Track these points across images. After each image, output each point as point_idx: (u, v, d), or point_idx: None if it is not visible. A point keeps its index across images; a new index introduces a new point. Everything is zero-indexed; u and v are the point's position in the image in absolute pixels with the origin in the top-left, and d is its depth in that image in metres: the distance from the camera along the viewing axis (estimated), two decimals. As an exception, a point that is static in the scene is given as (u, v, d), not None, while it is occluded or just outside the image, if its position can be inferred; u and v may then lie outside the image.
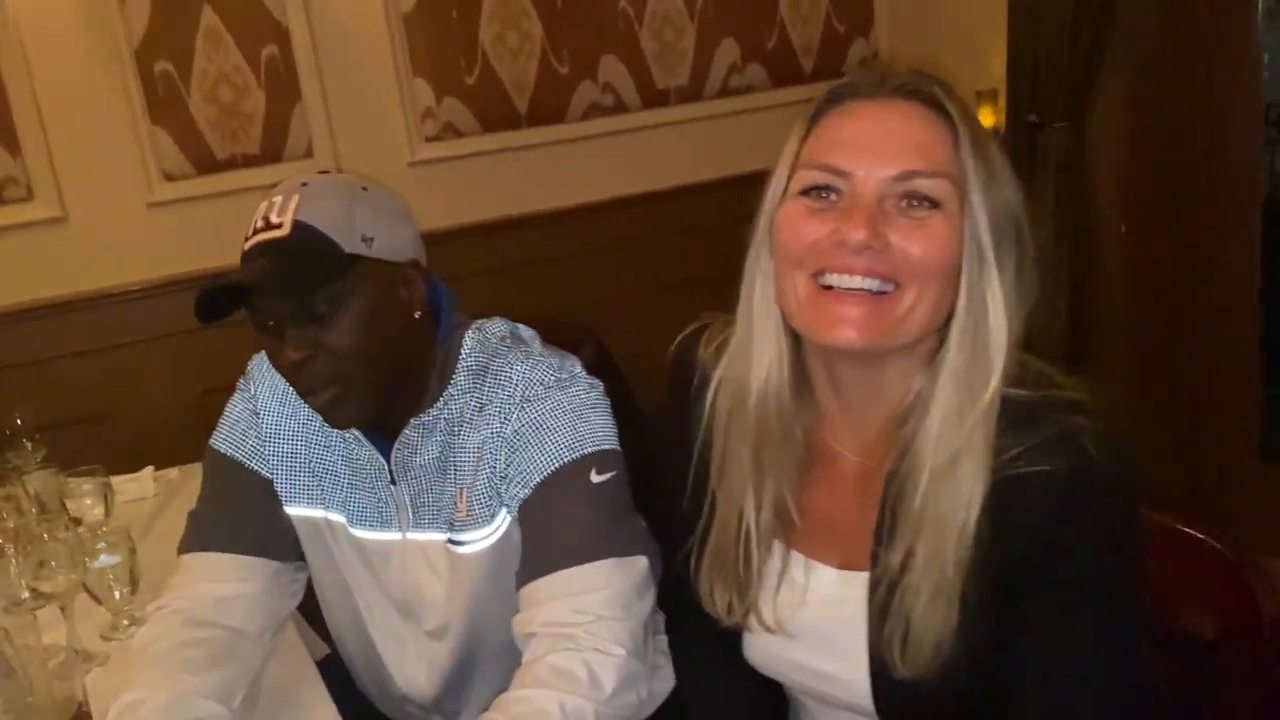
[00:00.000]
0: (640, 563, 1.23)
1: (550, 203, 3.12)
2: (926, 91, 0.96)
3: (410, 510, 1.34)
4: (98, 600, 1.53)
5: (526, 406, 1.27)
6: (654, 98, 3.29)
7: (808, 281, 0.97)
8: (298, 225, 1.20)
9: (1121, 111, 3.12)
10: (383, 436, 1.33)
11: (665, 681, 1.40)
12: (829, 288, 0.96)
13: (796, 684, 1.17)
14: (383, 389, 1.26)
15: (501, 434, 1.27)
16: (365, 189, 1.28)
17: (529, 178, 3.12)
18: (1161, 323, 3.11)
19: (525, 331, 1.37)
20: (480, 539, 1.30)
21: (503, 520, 1.30)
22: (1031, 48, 3.18)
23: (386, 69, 2.92)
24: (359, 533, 1.38)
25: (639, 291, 3.13)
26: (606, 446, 1.27)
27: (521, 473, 1.26)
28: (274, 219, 1.21)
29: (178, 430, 2.62)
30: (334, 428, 1.30)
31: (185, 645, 1.25)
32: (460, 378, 1.30)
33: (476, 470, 1.29)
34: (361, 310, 1.21)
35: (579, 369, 1.33)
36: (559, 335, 2.22)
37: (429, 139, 3.00)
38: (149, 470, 2.26)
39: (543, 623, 1.18)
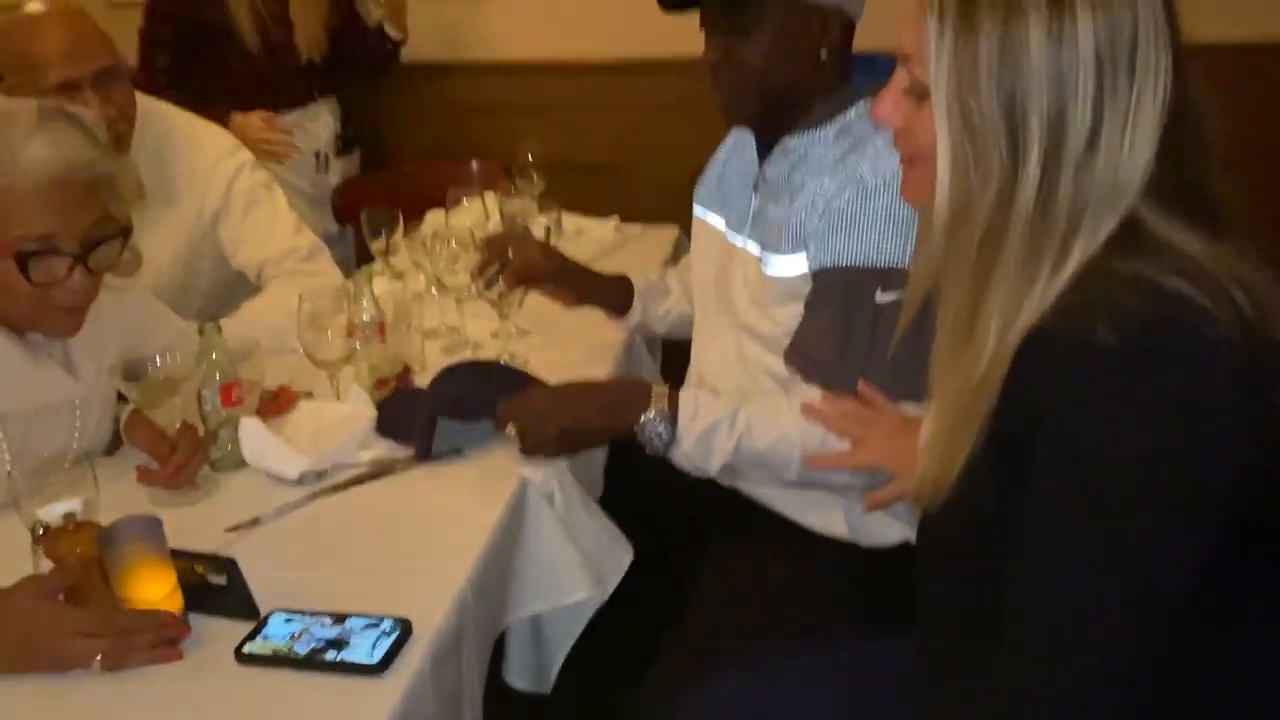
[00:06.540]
0: None
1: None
2: None
3: (751, 218, 1.54)
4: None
5: (862, 191, 1.39)
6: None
7: None
8: None
9: None
10: (769, 150, 1.54)
11: None
12: None
13: None
14: (770, 103, 1.49)
15: (827, 197, 1.41)
16: None
17: None
18: None
19: None
20: (778, 266, 1.47)
21: (800, 263, 1.45)
22: None
23: None
24: (729, 235, 1.62)
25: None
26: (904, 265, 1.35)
27: (820, 245, 1.42)
28: None
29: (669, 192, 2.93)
30: (728, 122, 1.60)
31: None
32: (830, 129, 1.46)
33: (792, 208, 1.45)
34: (772, 34, 1.44)
35: None
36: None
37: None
38: (614, 219, 2.59)
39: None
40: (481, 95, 3.19)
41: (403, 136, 3.16)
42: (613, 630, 1.49)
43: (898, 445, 1.29)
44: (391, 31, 2.90)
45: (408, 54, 2.95)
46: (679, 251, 2.43)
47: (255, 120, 2.63)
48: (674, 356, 2.00)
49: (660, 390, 1.41)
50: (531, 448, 1.42)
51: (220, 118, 2.53)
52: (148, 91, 2.08)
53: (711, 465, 1.40)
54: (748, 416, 1.39)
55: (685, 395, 1.41)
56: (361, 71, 3.01)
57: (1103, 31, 0.84)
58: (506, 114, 3.10)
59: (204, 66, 2.75)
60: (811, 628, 1.42)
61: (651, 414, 1.38)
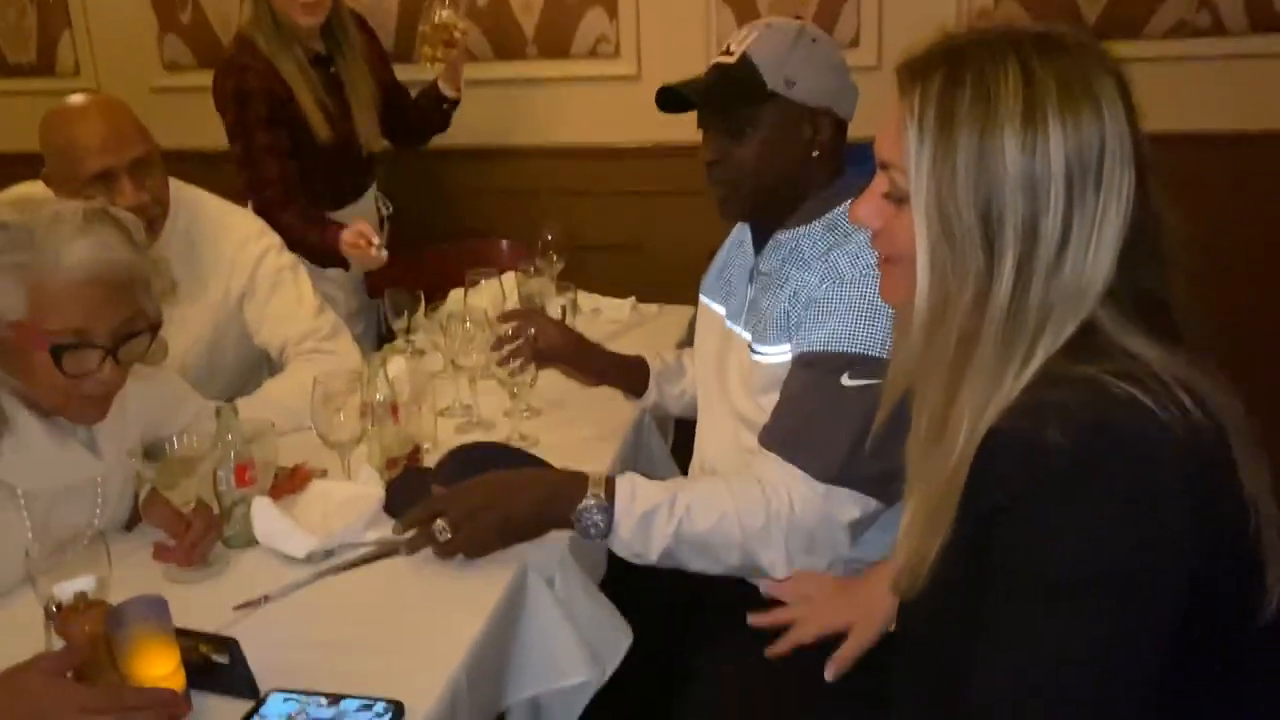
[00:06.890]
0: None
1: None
2: None
3: (747, 308, 1.61)
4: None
5: (838, 282, 1.44)
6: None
7: None
8: (743, 57, 1.52)
9: None
10: (765, 244, 1.60)
11: None
12: None
13: None
14: (763, 200, 1.57)
15: (809, 289, 1.47)
16: (814, 40, 1.53)
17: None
18: None
19: None
20: (765, 355, 1.53)
21: (784, 352, 1.50)
22: None
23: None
24: (728, 324, 1.69)
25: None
26: (873, 353, 1.40)
27: (798, 334, 1.48)
28: (733, 47, 1.55)
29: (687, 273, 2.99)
30: (724, 217, 1.66)
31: None
32: (818, 225, 1.52)
33: (778, 298, 1.51)
34: (764, 135, 1.52)
35: None
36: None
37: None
38: (631, 300, 2.65)
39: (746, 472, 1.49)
40: (508, 178, 3.28)
41: (432, 217, 3.25)
42: (611, 713, 1.50)
43: (842, 603, 1.34)
44: (446, 90, 2.84)
45: (439, 138, 3.01)
46: (694, 331, 2.46)
47: (347, 238, 2.43)
48: (685, 436, 2.03)
49: (597, 477, 1.41)
50: (458, 545, 1.39)
51: (327, 234, 2.46)
52: (273, 207, 2.33)
53: (651, 550, 1.41)
54: (687, 501, 1.41)
55: (622, 481, 1.41)
56: (415, 136, 2.97)
57: (1072, 145, 0.89)
58: (533, 196, 3.20)
59: (299, 165, 2.63)
60: (810, 711, 1.43)
61: (588, 501, 1.38)
